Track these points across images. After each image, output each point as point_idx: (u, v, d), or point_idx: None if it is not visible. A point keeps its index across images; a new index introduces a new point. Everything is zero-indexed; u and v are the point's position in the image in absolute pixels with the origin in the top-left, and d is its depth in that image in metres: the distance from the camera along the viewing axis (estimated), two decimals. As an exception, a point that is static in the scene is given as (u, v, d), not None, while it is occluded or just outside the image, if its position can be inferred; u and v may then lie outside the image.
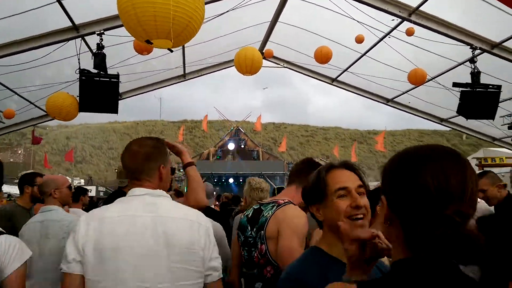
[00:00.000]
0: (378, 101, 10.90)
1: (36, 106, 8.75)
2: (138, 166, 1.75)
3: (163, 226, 1.61)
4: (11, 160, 31.82)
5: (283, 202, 2.18)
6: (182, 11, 2.40)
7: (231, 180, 25.57)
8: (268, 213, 2.16)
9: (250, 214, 2.30)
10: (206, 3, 6.25)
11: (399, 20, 6.76)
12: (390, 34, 7.17)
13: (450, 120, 10.65)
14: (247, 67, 6.17)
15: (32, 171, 4.96)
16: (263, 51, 8.89)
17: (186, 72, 9.89)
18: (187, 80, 10.18)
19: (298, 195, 2.06)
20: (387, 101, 10.76)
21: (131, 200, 1.70)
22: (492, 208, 3.60)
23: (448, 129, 14.01)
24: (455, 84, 6.76)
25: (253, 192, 3.60)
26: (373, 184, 6.98)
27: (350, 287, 0.96)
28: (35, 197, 3.64)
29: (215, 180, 24.59)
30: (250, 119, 40.32)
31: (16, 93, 7.87)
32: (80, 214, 3.46)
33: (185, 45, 7.91)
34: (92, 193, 20.28)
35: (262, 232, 2.14)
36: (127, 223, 1.60)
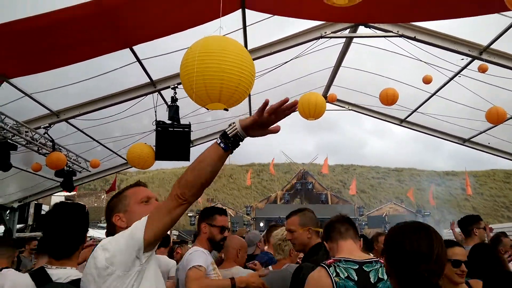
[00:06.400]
0: (453, 142, 10.32)
1: (118, 155, 9.56)
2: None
3: None
4: (95, 204, 34.36)
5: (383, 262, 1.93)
6: (228, 79, 2.61)
7: None
8: (385, 277, 1.92)
9: (356, 277, 1.89)
10: (270, 53, 6.67)
11: (470, 59, 6.50)
12: (461, 73, 6.89)
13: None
14: (311, 112, 6.24)
15: None
16: (327, 95, 8.97)
17: (253, 118, 10.22)
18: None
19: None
20: (464, 141, 10.14)
21: None
22: None
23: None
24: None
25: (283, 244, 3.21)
26: (457, 231, 6.28)
27: None
28: None
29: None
30: (317, 161, 39.91)
31: (101, 143, 8.69)
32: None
33: (251, 94, 8.26)
34: (166, 236, 21.04)
35: None
36: None
